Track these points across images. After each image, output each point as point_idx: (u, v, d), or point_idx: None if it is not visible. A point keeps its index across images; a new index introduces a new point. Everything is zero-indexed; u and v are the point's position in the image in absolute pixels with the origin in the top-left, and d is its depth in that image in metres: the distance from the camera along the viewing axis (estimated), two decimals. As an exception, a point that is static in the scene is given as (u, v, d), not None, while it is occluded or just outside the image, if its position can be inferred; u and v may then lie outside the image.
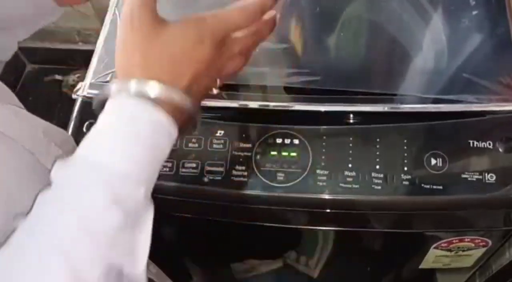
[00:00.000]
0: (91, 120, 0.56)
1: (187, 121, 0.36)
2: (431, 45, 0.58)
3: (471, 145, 0.50)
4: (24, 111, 0.46)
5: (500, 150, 0.50)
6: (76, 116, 0.58)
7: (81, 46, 1.36)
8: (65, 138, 0.50)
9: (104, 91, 0.34)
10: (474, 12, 0.58)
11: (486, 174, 0.49)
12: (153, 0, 0.37)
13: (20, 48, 1.54)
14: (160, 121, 0.34)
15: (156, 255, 0.86)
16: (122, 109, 0.33)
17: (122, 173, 0.32)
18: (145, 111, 0.33)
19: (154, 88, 0.33)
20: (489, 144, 0.50)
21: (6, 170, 0.37)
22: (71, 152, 0.49)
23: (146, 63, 0.34)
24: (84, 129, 0.56)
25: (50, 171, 0.39)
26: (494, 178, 0.49)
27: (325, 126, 0.53)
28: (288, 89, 0.56)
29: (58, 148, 0.45)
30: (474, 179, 0.49)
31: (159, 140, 0.34)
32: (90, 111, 0.56)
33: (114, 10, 0.64)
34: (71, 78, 1.45)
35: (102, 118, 0.34)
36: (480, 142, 0.50)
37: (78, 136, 0.55)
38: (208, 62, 0.36)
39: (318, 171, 0.51)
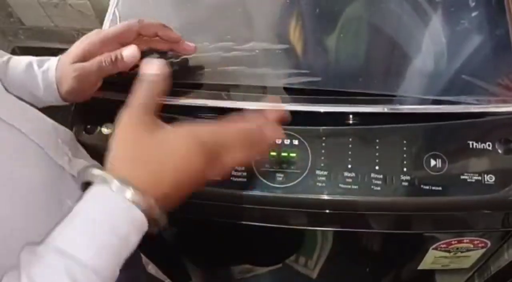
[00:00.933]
0: (89, 125, 0.57)
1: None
2: (431, 46, 0.58)
3: (471, 146, 0.50)
4: (32, 109, 0.47)
5: (499, 151, 0.50)
6: (74, 118, 0.58)
7: (81, 46, 1.36)
8: (70, 136, 0.51)
9: (89, 176, 0.35)
10: (474, 14, 0.58)
11: (485, 175, 0.49)
12: (154, 103, 0.38)
13: (19, 48, 1.54)
14: (135, 217, 0.33)
15: (155, 255, 0.86)
16: (99, 200, 0.34)
17: (83, 263, 0.31)
18: (120, 206, 0.33)
19: (131, 194, 0.33)
20: (489, 145, 0.50)
21: (6, 155, 0.38)
22: (74, 149, 0.50)
23: (135, 159, 0.35)
24: (83, 132, 0.56)
25: (59, 165, 0.41)
26: (493, 179, 0.49)
27: (324, 127, 0.53)
28: (288, 90, 0.56)
29: (65, 144, 0.46)
30: (473, 180, 0.49)
31: (130, 235, 0.34)
32: (88, 113, 0.56)
33: (114, 10, 0.64)
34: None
35: (79, 204, 0.34)
36: (479, 143, 0.50)
37: (78, 138, 0.55)
38: (194, 173, 0.36)
39: (317, 172, 0.51)
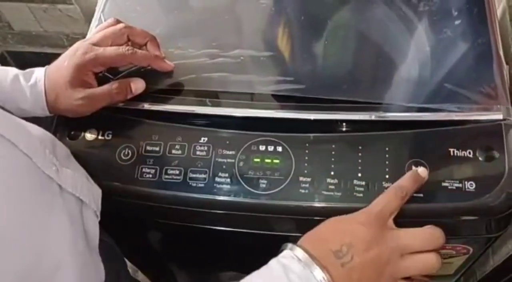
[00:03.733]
0: (72, 131, 0.57)
1: None
2: (415, 55, 0.59)
3: (452, 153, 0.51)
4: (19, 119, 0.47)
5: (480, 158, 0.50)
6: (57, 123, 0.58)
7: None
8: (57, 144, 0.51)
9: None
10: (456, 23, 0.59)
11: (466, 182, 0.49)
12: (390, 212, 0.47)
13: (8, 52, 1.53)
14: None
15: (142, 261, 0.86)
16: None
17: None
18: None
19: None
20: (470, 153, 0.51)
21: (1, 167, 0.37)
22: (64, 158, 0.49)
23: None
24: (67, 138, 0.56)
25: (47, 175, 0.41)
26: (474, 186, 0.49)
27: (308, 134, 0.54)
28: (273, 97, 0.57)
29: (52, 155, 0.46)
30: (454, 187, 0.49)
31: None
32: (71, 118, 0.56)
33: (100, 15, 0.64)
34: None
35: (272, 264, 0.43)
36: (460, 151, 0.51)
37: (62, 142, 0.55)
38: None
39: (300, 178, 0.51)
